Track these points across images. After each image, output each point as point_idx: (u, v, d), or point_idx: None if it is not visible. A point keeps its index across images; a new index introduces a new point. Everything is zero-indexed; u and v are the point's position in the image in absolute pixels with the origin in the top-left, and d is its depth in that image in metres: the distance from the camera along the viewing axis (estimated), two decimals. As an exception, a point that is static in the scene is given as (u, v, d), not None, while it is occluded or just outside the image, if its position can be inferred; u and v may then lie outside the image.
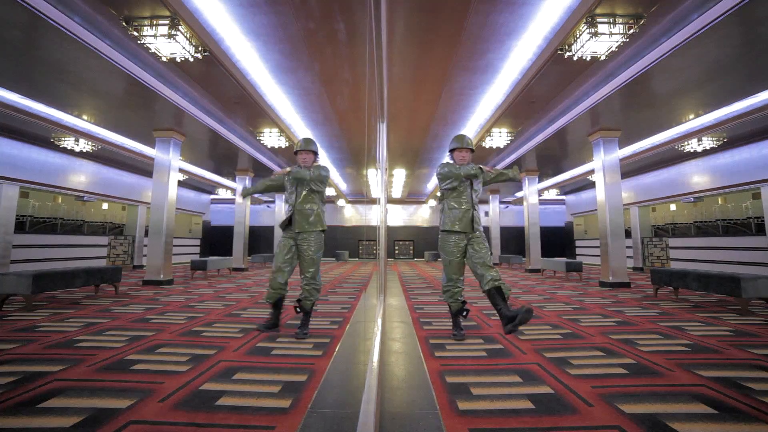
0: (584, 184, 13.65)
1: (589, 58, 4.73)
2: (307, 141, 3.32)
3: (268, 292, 3.11)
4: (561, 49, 4.67)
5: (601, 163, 7.37)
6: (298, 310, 3.18)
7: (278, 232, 15.75)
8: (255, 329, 3.32)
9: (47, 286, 4.40)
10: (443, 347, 2.82)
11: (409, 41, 4.83)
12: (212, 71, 5.42)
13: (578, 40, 4.43)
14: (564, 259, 9.26)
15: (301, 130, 8.50)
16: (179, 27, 4.30)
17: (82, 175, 9.73)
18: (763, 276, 4.31)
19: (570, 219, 17.01)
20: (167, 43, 4.43)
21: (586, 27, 4.22)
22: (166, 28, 4.26)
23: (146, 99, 5.87)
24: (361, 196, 18.05)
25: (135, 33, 4.31)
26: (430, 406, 1.79)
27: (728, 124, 6.70)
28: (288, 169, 3.29)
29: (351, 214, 19.00)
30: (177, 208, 10.91)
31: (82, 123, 7.23)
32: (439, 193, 3.10)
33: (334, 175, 13.51)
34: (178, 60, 4.80)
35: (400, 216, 19.05)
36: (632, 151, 9.00)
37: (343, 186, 15.44)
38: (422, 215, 19.10)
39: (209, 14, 4.29)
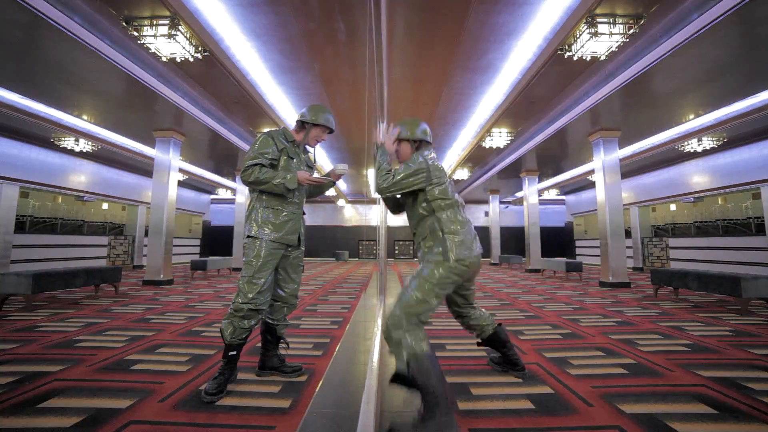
0: (584, 184, 13.64)
1: (589, 58, 4.73)
2: (326, 110, 2.41)
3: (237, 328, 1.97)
4: (561, 49, 4.67)
5: (601, 163, 7.37)
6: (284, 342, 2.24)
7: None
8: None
9: (47, 286, 4.40)
10: (443, 347, 2.81)
11: (409, 41, 4.83)
12: (212, 71, 5.42)
13: (578, 40, 4.43)
14: (564, 259, 9.26)
15: (301, 130, 8.48)
16: (179, 27, 4.30)
17: (82, 175, 9.73)
18: (763, 276, 4.31)
19: (570, 219, 17.01)
20: (167, 43, 4.43)
21: (586, 27, 4.22)
22: (166, 28, 4.26)
23: (146, 99, 5.87)
24: (361, 196, 18.04)
25: (135, 33, 4.31)
26: (430, 406, 1.79)
27: (728, 124, 6.70)
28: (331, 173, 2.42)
29: (351, 214, 18.99)
30: (177, 208, 10.91)
31: (82, 123, 7.23)
32: (424, 204, 2.06)
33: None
34: (178, 60, 4.81)
35: (400, 216, 19.03)
36: (632, 151, 9.00)
37: (343, 186, 15.43)
38: (422, 215, 19.07)
39: (209, 14, 4.29)
